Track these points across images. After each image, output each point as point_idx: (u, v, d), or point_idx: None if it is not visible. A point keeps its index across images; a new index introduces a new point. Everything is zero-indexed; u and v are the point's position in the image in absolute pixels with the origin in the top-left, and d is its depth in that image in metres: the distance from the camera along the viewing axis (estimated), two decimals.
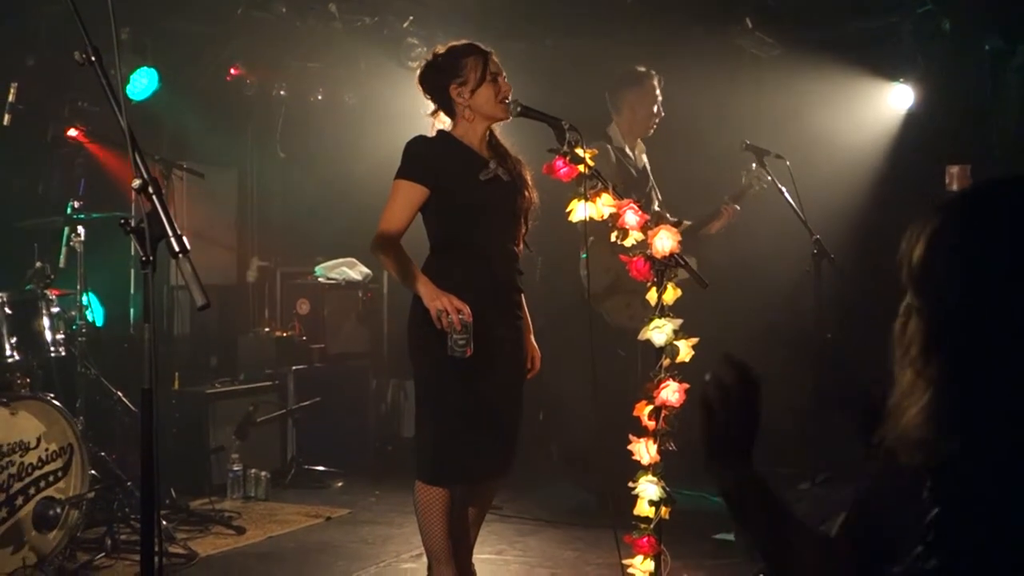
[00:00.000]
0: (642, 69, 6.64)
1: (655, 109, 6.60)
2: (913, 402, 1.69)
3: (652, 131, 6.64)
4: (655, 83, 6.62)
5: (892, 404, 1.74)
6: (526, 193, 4.52)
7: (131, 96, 7.44)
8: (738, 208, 6.61)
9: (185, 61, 8.07)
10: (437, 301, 4.15)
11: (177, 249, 2.40)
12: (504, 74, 4.47)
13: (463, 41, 4.53)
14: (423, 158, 4.37)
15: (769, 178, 6.34)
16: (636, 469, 4.39)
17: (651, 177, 6.67)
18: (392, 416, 8.76)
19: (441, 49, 4.52)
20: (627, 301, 6.23)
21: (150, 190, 2.42)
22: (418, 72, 4.56)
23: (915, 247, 1.75)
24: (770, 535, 1.96)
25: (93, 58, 2.56)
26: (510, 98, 4.43)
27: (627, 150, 6.56)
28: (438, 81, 4.47)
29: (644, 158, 6.69)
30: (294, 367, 7.96)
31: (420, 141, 4.44)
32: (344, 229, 8.45)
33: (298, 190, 9.34)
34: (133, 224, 2.42)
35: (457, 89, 4.42)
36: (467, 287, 4.27)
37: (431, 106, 4.55)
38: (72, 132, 7.04)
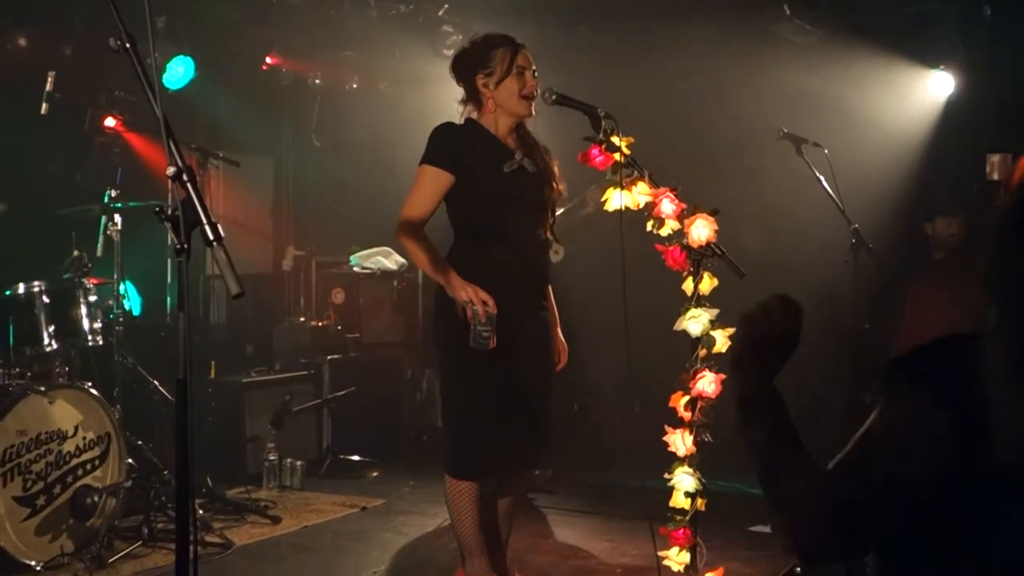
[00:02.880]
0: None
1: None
2: (1013, 421, 1.63)
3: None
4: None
5: (997, 422, 1.67)
6: (553, 184, 4.50)
7: (167, 85, 7.49)
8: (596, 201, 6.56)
9: (221, 50, 8.10)
10: (462, 291, 4.13)
11: (212, 237, 2.39)
12: (534, 69, 4.43)
13: (499, 32, 4.52)
14: (449, 144, 4.36)
15: (804, 155, 6.25)
16: (672, 460, 4.37)
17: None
18: (427, 406, 8.75)
19: (477, 37, 4.51)
20: None
21: (184, 178, 2.41)
22: (451, 59, 4.55)
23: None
24: (770, 453, 1.98)
25: (128, 45, 2.56)
26: (536, 93, 4.40)
27: None
28: (467, 70, 4.46)
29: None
30: (329, 357, 7.98)
31: (447, 127, 4.43)
32: (379, 218, 8.39)
33: (333, 179, 9.36)
34: (168, 212, 2.42)
35: (483, 79, 4.41)
36: (490, 276, 4.25)
37: (462, 94, 4.54)
38: (109, 121, 7.08)
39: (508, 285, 4.30)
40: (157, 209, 2.42)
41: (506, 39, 4.46)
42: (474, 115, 4.50)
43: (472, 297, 4.11)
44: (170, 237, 2.47)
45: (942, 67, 7.53)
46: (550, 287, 4.59)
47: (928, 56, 7.54)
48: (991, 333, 1.70)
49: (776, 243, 7.47)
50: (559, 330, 4.62)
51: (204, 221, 2.38)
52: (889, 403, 1.82)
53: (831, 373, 7.33)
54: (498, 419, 4.31)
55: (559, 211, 4.71)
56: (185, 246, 2.40)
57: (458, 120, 4.51)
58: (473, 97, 4.47)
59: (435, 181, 4.32)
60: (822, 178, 6.16)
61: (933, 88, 7.60)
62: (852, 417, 6.50)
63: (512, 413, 4.34)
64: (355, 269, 8.43)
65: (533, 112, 4.44)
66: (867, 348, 6.42)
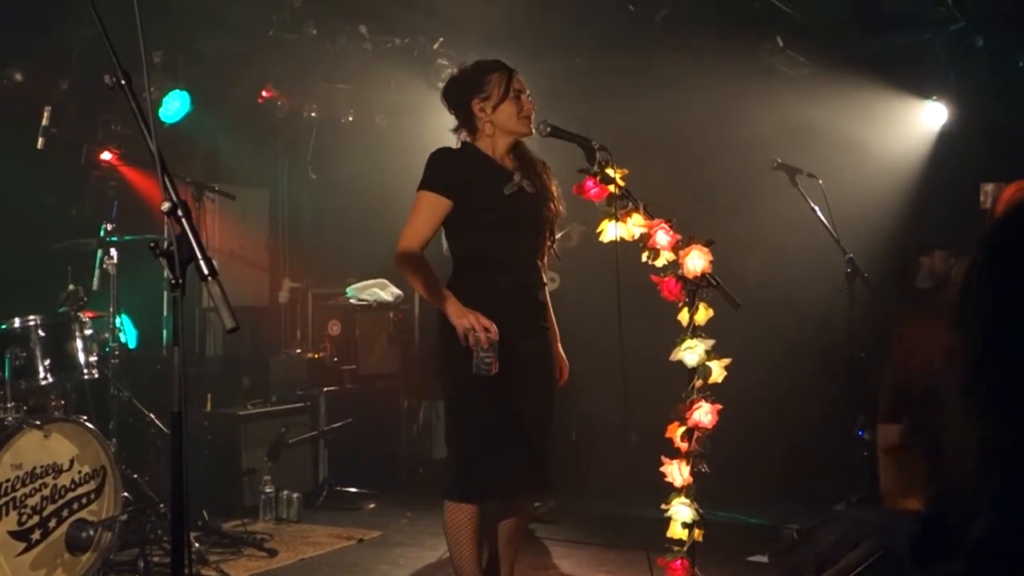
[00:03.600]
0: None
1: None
2: (966, 446, 1.65)
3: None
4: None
5: (951, 451, 1.69)
6: (551, 205, 4.50)
7: (163, 118, 7.50)
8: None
9: (217, 83, 8.12)
10: (464, 319, 4.13)
11: (206, 272, 2.39)
12: (528, 92, 4.47)
13: (490, 59, 4.54)
14: (446, 169, 4.36)
15: (798, 185, 6.26)
16: (669, 491, 4.36)
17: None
18: (424, 437, 8.75)
19: (467, 65, 4.53)
20: None
21: (179, 213, 2.42)
22: (442, 87, 4.56)
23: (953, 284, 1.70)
24: None
25: (123, 81, 2.57)
26: (534, 117, 4.43)
27: None
28: (461, 96, 4.47)
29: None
30: (326, 388, 7.97)
31: (444, 152, 4.43)
32: (375, 250, 8.44)
33: (329, 211, 9.38)
34: (163, 247, 2.42)
35: (480, 104, 4.42)
36: (493, 302, 4.24)
37: (453, 120, 4.54)
38: (105, 155, 7.10)
39: (510, 310, 4.30)
40: (152, 244, 2.43)
41: (498, 64, 4.48)
42: (468, 140, 4.51)
43: (475, 324, 4.11)
44: (166, 270, 2.47)
45: (935, 97, 7.57)
46: (549, 305, 4.59)
47: (921, 86, 7.58)
48: (952, 360, 1.72)
49: (772, 273, 7.49)
50: (559, 345, 4.62)
51: (199, 257, 2.38)
52: None
53: (828, 399, 7.35)
54: (501, 441, 4.30)
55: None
56: (180, 281, 2.40)
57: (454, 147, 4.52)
58: (467, 122, 4.48)
59: (433, 206, 4.31)
60: (817, 208, 6.18)
61: (926, 118, 7.64)
62: (848, 442, 6.50)
63: (515, 435, 4.33)
64: (351, 301, 8.43)
65: (532, 130, 4.45)
66: (863, 376, 6.42)
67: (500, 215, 4.35)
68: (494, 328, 4.12)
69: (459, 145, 4.51)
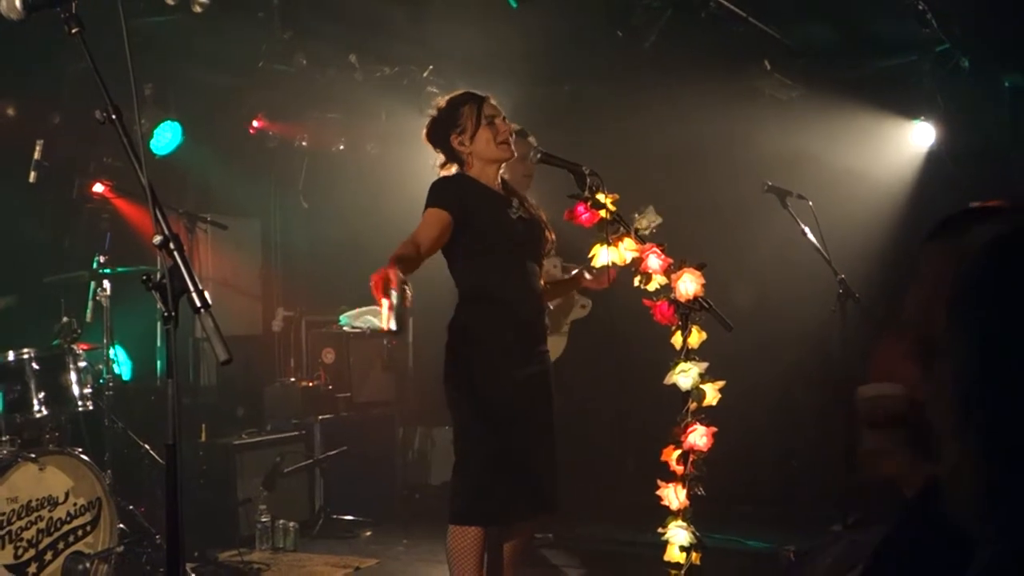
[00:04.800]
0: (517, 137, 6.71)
1: (526, 171, 6.58)
2: (961, 474, 1.63)
3: None
4: (524, 146, 6.67)
5: (944, 476, 1.68)
6: (546, 233, 4.52)
7: (155, 150, 7.51)
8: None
9: (208, 114, 8.13)
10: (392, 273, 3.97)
11: (199, 304, 2.39)
12: (503, 116, 4.46)
13: (460, 91, 4.55)
14: (449, 191, 4.36)
15: (788, 207, 6.27)
16: (665, 514, 4.35)
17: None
18: (419, 464, 8.71)
19: (441, 102, 4.54)
20: None
21: (171, 246, 2.41)
22: (424, 130, 4.55)
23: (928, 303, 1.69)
24: None
25: (113, 116, 2.57)
26: (512, 138, 4.43)
27: None
28: (440, 133, 4.49)
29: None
30: (320, 416, 7.94)
31: (445, 180, 4.45)
32: (368, 277, 8.43)
33: (322, 239, 9.37)
34: (155, 280, 2.41)
35: (458, 138, 4.43)
36: (501, 334, 4.26)
37: (440, 158, 4.54)
38: (98, 187, 7.09)
39: (518, 340, 4.31)
40: (144, 277, 2.42)
41: (467, 95, 4.50)
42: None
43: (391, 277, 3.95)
44: (159, 303, 2.46)
45: (922, 118, 7.59)
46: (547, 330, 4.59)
47: (908, 108, 7.60)
48: (941, 383, 1.70)
49: (764, 295, 7.50)
50: None
51: (191, 289, 2.38)
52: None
53: (822, 420, 7.34)
54: (508, 465, 4.29)
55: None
56: (173, 314, 2.40)
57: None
58: (452, 158, 4.49)
59: (434, 218, 4.26)
60: (807, 230, 6.19)
61: (914, 139, 7.66)
62: (843, 464, 6.49)
63: (522, 460, 4.33)
64: (345, 329, 8.41)
65: (514, 153, 4.45)
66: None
67: (505, 239, 4.34)
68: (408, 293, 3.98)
69: (453, 172, 4.50)
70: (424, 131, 4.55)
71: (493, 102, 4.48)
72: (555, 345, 6.32)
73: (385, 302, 3.71)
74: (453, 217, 4.27)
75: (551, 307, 6.12)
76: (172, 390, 2.38)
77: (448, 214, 4.27)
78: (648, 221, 6.14)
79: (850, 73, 7.61)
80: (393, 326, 3.75)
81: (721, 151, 7.71)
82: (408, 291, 3.81)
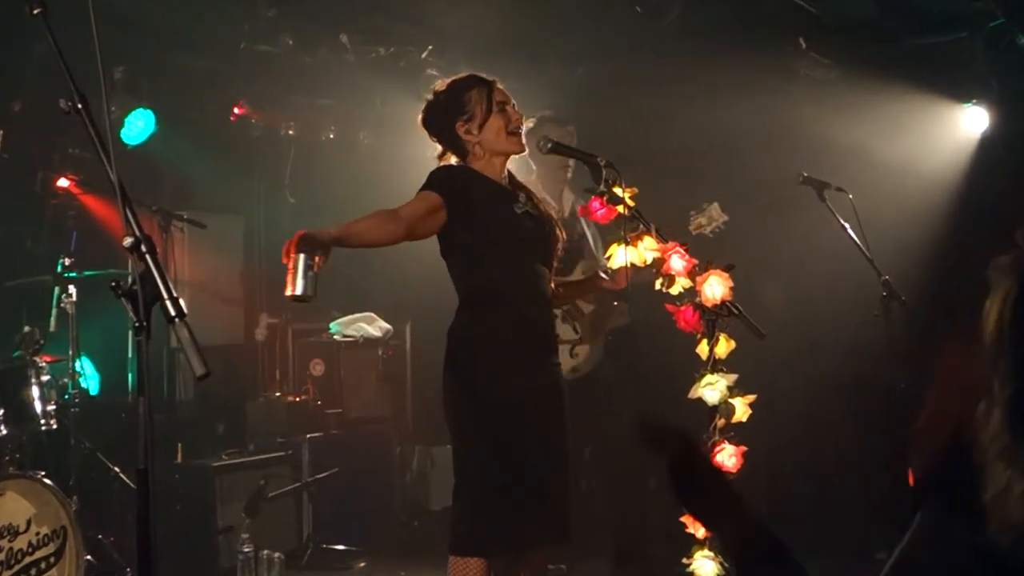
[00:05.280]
0: (554, 124, 6.69)
1: (561, 162, 6.57)
2: (1014, 498, 1.65)
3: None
4: (565, 135, 6.69)
5: (989, 499, 1.71)
6: (556, 231, 4.51)
7: (126, 140, 7.51)
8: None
9: (184, 101, 8.14)
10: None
11: (173, 313, 2.40)
12: (513, 103, 4.47)
13: (463, 74, 4.55)
14: (451, 179, 4.37)
15: (826, 201, 6.27)
16: (691, 543, 4.35)
17: (584, 224, 6.64)
18: (418, 487, 8.72)
19: (441, 86, 4.54)
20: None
21: (143, 249, 2.42)
22: (420, 115, 4.55)
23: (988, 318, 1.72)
24: None
25: (80, 105, 2.58)
26: (523, 128, 4.43)
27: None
28: (443, 121, 4.48)
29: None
30: (309, 435, 7.95)
31: (446, 168, 4.47)
32: (361, 281, 8.46)
33: None
34: (125, 286, 2.42)
35: (464, 126, 4.43)
36: (506, 339, 4.27)
37: (438, 148, 4.55)
38: (63, 182, 7.11)
39: (524, 348, 4.32)
40: (113, 284, 2.43)
41: (474, 78, 4.50)
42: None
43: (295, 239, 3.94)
44: (130, 312, 2.47)
45: (974, 101, 7.58)
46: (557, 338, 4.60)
47: (958, 90, 7.59)
48: (994, 403, 1.74)
49: (799, 298, 7.48)
50: None
51: (165, 297, 2.39)
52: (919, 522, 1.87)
53: (865, 437, 7.32)
54: (513, 489, 4.29)
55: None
56: (144, 324, 2.41)
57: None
58: (455, 147, 4.49)
59: (428, 198, 4.28)
60: (847, 225, 6.17)
61: (965, 124, 7.65)
62: (886, 484, 6.48)
63: (528, 483, 4.32)
64: (335, 337, 8.42)
65: (525, 147, 4.46)
66: (903, 409, 6.41)
67: (510, 236, 4.35)
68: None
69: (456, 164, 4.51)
70: (420, 116, 4.55)
71: (501, 87, 4.49)
72: (590, 355, 6.32)
73: (290, 266, 3.83)
74: (447, 205, 4.28)
75: (585, 312, 6.14)
76: (144, 408, 2.39)
77: (440, 198, 4.28)
78: (710, 220, 6.14)
79: (894, 52, 7.60)
80: (296, 291, 3.86)
81: (751, 139, 7.70)
82: (318, 256, 3.87)
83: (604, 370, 6.50)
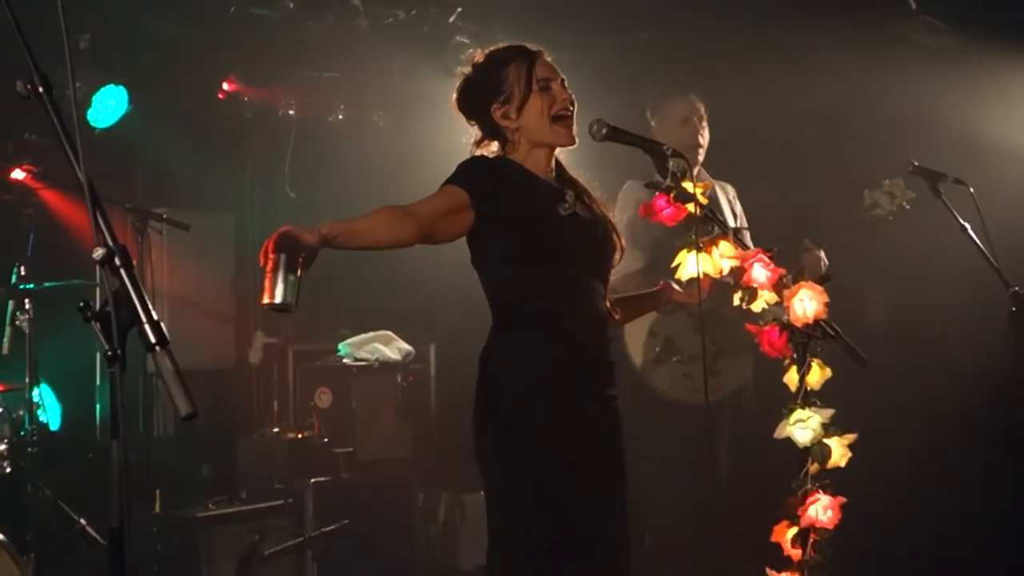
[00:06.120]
0: (675, 95, 6.73)
1: (688, 131, 6.60)
2: None
3: (699, 157, 6.61)
4: (687, 98, 6.67)
5: None
6: (613, 237, 4.49)
7: (94, 123, 7.52)
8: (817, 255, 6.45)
9: (164, 75, 8.16)
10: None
11: (153, 340, 2.40)
12: (563, 78, 4.42)
13: (502, 44, 4.52)
14: (484, 174, 4.32)
15: (942, 195, 6.24)
16: None
17: (731, 215, 6.63)
18: (446, 541, 8.73)
19: (480, 58, 4.50)
20: (684, 370, 6.24)
21: (117, 262, 2.43)
22: (454, 94, 4.54)
23: None
24: None
25: (40, 89, 2.59)
26: (572, 110, 4.39)
27: None
28: (478, 103, 4.43)
29: (716, 191, 6.63)
30: (313, 480, 7.95)
31: (478, 160, 4.41)
32: (375, 293, 8.49)
33: None
34: (95, 308, 2.43)
35: (501, 109, 4.38)
36: (551, 366, 4.25)
37: (475, 133, 4.52)
38: (17, 174, 7.15)
39: (574, 378, 4.30)
40: (81, 304, 2.44)
41: (513, 50, 4.43)
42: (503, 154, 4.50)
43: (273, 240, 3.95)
44: (100, 338, 2.48)
45: None
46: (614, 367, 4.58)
47: None
48: None
49: (909, 316, 7.45)
50: None
51: (144, 320, 2.39)
52: None
53: (992, 482, 7.27)
54: (558, 546, 4.29)
55: None
56: (119, 353, 2.41)
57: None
58: (494, 134, 4.46)
59: (452, 193, 4.25)
60: (967, 225, 6.15)
61: None
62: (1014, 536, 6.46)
63: (577, 541, 4.32)
64: (345, 361, 8.44)
65: (575, 139, 4.42)
66: None
67: (557, 243, 4.32)
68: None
69: (492, 154, 4.49)
70: (454, 96, 4.54)
71: (548, 59, 4.46)
72: (736, 369, 6.31)
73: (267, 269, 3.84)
74: (475, 203, 4.24)
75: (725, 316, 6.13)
76: (118, 455, 2.39)
77: (466, 195, 4.25)
78: (891, 198, 6.12)
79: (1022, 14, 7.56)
80: (275, 299, 3.89)
81: (851, 119, 7.67)
82: (302, 258, 3.87)
83: (748, 392, 6.49)
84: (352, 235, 4.06)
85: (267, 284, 3.87)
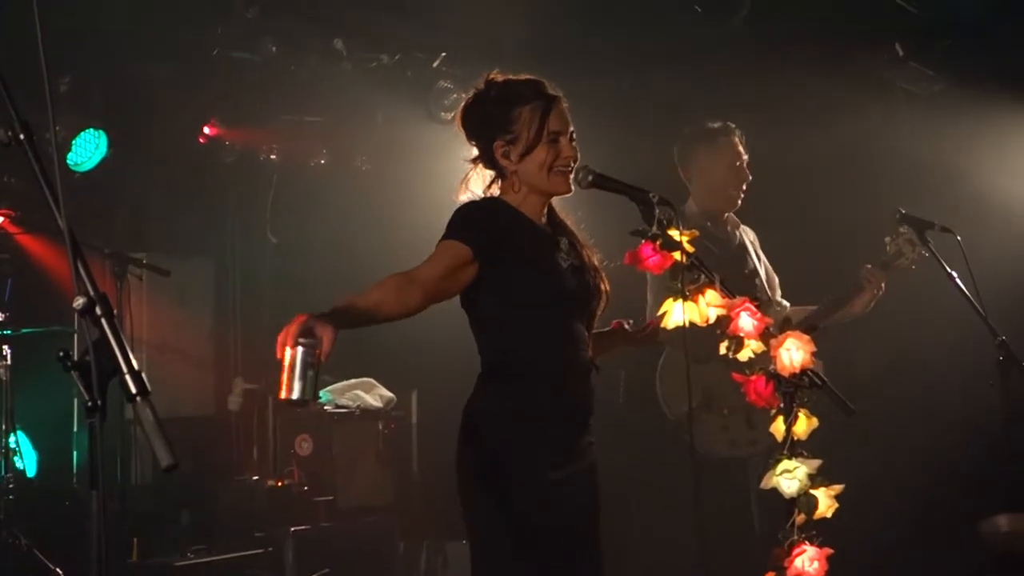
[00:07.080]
0: (715, 124, 6.73)
1: (736, 174, 6.65)
2: None
3: (739, 201, 6.66)
4: (734, 140, 6.69)
5: None
6: (602, 285, 4.49)
7: (74, 167, 7.52)
8: (882, 280, 6.55)
9: (145, 119, 8.16)
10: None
11: (135, 391, 2.39)
12: (572, 131, 4.38)
13: (524, 76, 4.45)
14: (482, 223, 4.28)
15: (929, 244, 6.28)
16: None
17: (755, 259, 6.66)
18: None
19: (499, 78, 4.42)
20: (723, 423, 6.24)
21: (98, 311, 2.42)
22: (461, 106, 4.48)
23: None
24: None
25: (22, 135, 2.58)
26: (574, 165, 4.37)
27: (708, 225, 6.52)
28: (483, 131, 4.41)
29: (743, 235, 6.70)
30: (293, 528, 7.93)
31: (472, 205, 4.36)
32: (358, 338, 8.43)
33: (295, 285, 9.37)
34: (75, 358, 2.42)
35: (503, 147, 4.33)
36: (540, 418, 4.24)
37: (474, 151, 4.47)
38: None
39: (563, 426, 4.30)
40: (61, 354, 2.43)
41: (534, 90, 4.36)
42: (495, 190, 4.45)
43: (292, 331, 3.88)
44: (80, 387, 2.47)
45: None
46: None
47: None
48: None
49: (896, 365, 7.46)
50: None
51: (125, 370, 2.39)
52: None
53: (974, 526, 7.27)
54: None
55: None
56: (99, 403, 2.40)
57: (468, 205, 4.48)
58: (491, 165, 4.42)
59: (454, 251, 4.19)
60: (954, 274, 6.16)
61: None
62: None
63: None
64: (326, 408, 8.42)
65: (570, 188, 4.40)
66: None
67: (552, 293, 4.31)
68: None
69: (484, 194, 4.45)
70: (460, 109, 4.48)
71: (564, 106, 4.39)
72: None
73: (285, 363, 3.72)
74: (479, 257, 4.22)
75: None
76: (98, 506, 2.39)
77: (469, 250, 4.23)
78: (912, 248, 6.21)
79: (1014, 60, 7.59)
80: (292, 395, 3.76)
81: (837, 166, 7.70)
82: (320, 348, 3.74)
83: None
84: (366, 315, 3.98)
85: (285, 379, 3.75)
